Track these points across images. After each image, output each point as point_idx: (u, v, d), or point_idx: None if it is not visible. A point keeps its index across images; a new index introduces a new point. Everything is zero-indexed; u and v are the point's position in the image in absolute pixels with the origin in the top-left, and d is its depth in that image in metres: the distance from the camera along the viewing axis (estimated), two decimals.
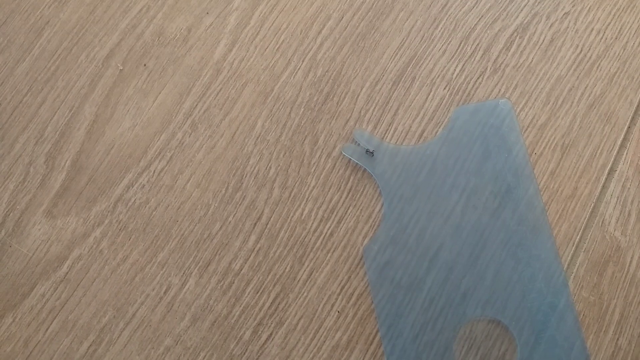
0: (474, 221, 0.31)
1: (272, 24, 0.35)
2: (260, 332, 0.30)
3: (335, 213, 0.32)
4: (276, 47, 0.35)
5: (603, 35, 0.34)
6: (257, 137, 0.33)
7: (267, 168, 0.32)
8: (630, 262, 0.30)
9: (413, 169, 0.32)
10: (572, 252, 0.31)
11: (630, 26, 0.34)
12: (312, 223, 0.31)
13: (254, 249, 0.31)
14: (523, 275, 0.30)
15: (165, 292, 0.30)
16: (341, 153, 0.32)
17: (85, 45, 0.35)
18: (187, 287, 0.30)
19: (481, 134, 0.32)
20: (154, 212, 0.32)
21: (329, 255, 0.31)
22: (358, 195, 0.32)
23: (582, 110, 0.33)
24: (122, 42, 0.35)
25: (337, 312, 0.30)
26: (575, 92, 0.33)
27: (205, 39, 0.35)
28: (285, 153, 0.33)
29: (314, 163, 0.32)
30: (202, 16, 0.35)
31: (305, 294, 0.30)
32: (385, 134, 0.33)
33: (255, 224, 0.31)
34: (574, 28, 0.34)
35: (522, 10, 0.35)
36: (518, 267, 0.30)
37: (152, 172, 0.32)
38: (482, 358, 0.29)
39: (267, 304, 0.30)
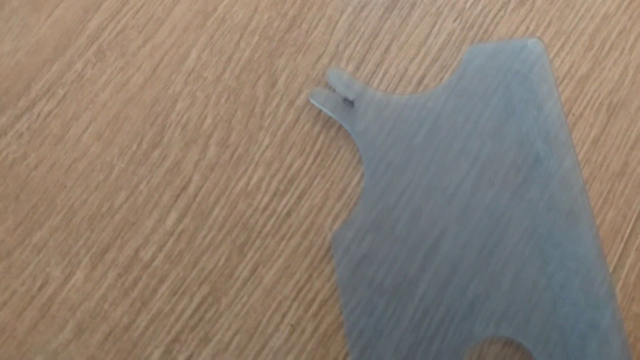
0: (488, 202, 0.22)
1: None
2: (174, 353, 0.20)
3: (295, 185, 0.22)
4: None
5: None
6: (190, 73, 0.23)
7: (201, 117, 0.23)
8: None
9: (407, 127, 0.23)
10: (620, 250, 0.22)
11: None
12: (262, 198, 0.22)
13: (174, 231, 0.22)
14: (553, 280, 0.22)
15: (39, 289, 0.21)
16: (308, 101, 0.23)
17: None
18: (72, 282, 0.21)
19: (502, 83, 0.23)
20: (33, 173, 0.22)
21: (283, 243, 0.22)
22: (329, 161, 0.23)
23: (635, 60, 0.24)
24: None
25: (289, 326, 0.21)
26: (627, 36, 0.25)
27: None
28: (228, 97, 0.23)
29: (270, 113, 0.23)
30: None
31: (244, 298, 0.21)
32: (371, 77, 0.24)
33: (179, 195, 0.22)
34: None
35: None
36: (547, 269, 0.22)
37: (36, 115, 0.23)
38: None
39: (189, 312, 0.21)
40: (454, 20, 0.24)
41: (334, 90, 0.23)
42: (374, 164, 0.22)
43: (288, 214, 0.22)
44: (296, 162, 0.23)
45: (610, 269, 0.22)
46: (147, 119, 0.23)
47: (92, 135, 0.22)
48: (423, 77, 0.24)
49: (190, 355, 0.20)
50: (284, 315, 0.21)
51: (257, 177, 0.22)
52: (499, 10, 0.25)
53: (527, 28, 0.25)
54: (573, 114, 0.24)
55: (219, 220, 0.22)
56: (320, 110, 0.23)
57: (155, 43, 0.24)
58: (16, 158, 0.22)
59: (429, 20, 0.24)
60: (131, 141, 0.22)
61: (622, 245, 0.22)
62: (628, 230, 0.22)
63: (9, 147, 0.22)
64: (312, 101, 0.23)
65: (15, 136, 0.22)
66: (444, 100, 0.23)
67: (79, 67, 0.23)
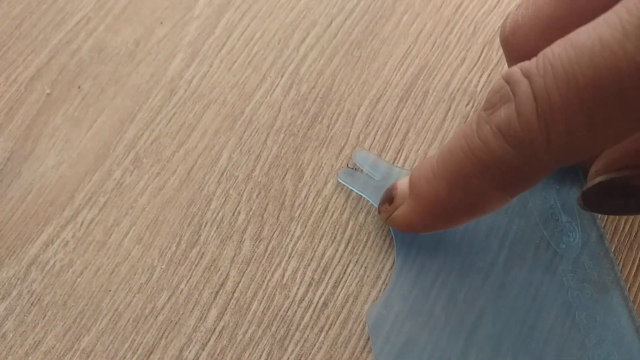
0: (522, 279, 0.22)
1: (242, 34, 0.28)
2: None
3: (329, 273, 0.23)
4: (247, 61, 0.27)
5: None
6: (222, 173, 0.25)
7: (235, 214, 0.24)
8: None
9: None
10: None
11: None
12: (298, 289, 0.23)
13: (215, 328, 0.22)
14: (595, 353, 0.21)
15: None
16: (336, 190, 0.24)
17: (6, 65, 0.27)
18: None
19: None
20: (79, 279, 0.23)
21: (323, 334, 0.22)
22: (360, 247, 0.23)
23: None
24: (53, 60, 0.27)
25: None
26: None
27: (157, 53, 0.27)
28: (259, 193, 0.24)
29: (299, 205, 0.24)
30: (154, 27, 0.28)
31: None
32: (393, 162, 0.25)
33: (218, 292, 0.23)
34: None
35: None
36: (587, 343, 0.21)
37: (80, 223, 0.24)
38: None
39: None
40: (467, 104, 0.26)
41: (362, 171, 0.24)
42: (405, 247, 0.23)
43: (325, 304, 0.22)
44: (328, 251, 0.23)
45: None
46: (184, 219, 0.24)
47: (133, 239, 0.23)
48: None
49: None
50: None
51: (291, 269, 0.23)
52: None
53: None
54: None
55: (258, 315, 0.22)
56: (348, 198, 0.24)
57: (188, 148, 0.25)
58: (63, 266, 0.23)
59: (443, 106, 0.26)
60: (170, 242, 0.23)
61: None
62: None
63: (56, 255, 0.23)
64: (339, 180, 0.24)
65: (61, 245, 0.24)
66: None
67: (117, 175, 0.25)
